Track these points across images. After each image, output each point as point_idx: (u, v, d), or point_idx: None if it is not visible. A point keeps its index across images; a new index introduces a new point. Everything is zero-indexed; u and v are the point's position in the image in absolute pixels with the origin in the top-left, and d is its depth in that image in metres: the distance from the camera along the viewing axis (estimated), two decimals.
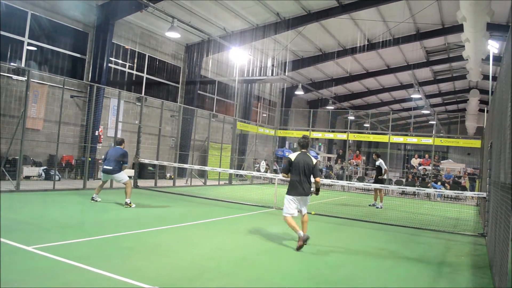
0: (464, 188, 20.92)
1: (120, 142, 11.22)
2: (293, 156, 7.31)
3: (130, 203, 10.44)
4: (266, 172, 24.32)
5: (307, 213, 7.42)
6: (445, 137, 28.27)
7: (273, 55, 24.38)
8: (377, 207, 14.70)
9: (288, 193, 7.22)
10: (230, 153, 22.65)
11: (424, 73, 29.81)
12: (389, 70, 28.86)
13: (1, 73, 13.52)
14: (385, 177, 15.55)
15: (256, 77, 24.69)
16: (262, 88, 29.88)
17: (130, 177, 11.79)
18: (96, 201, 10.70)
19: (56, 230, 7.27)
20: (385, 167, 15.27)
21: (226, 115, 23.79)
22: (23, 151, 11.77)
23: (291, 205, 7.17)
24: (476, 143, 21.81)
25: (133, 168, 16.77)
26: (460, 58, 22.51)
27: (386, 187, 14.00)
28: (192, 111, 20.72)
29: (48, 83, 15.12)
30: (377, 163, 15.18)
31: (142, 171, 17.88)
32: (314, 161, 7.29)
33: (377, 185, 13.47)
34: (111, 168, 10.60)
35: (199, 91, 22.78)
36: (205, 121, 21.31)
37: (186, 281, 4.98)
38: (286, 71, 25.17)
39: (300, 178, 7.14)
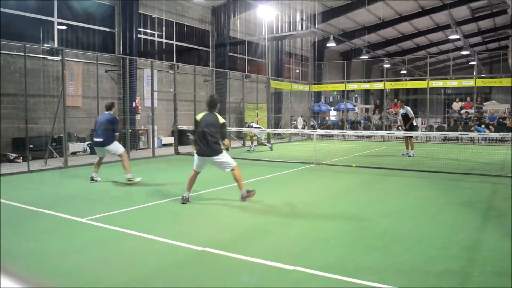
0: (509, 129, 20.13)
1: (109, 106, 9.44)
2: (199, 116, 7.29)
3: (132, 178, 9.03)
4: (304, 128, 24.23)
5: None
6: (487, 77, 27.05)
7: (301, 9, 23.70)
8: (409, 156, 14.16)
9: (196, 152, 7.18)
10: (266, 113, 22.63)
11: (461, 12, 28.23)
12: (424, 12, 27.52)
13: (38, 55, 13.90)
14: (414, 123, 14.87)
15: (285, 33, 24.20)
16: (292, 44, 29.31)
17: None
18: (96, 181, 9.30)
19: (106, 201, 7.62)
20: (412, 115, 14.48)
21: (259, 75, 23.62)
22: (66, 129, 12.26)
23: (195, 162, 7.24)
24: None
25: (172, 136, 17.12)
26: None
27: (428, 134, 13.69)
28: (224, 74, 20.68)
29: (82, 60, 15.42)
30: (403, 111, 14.58)
31: (181, 138, 18.21)
32: (222, 121, 7.16)
33: (410, 133, 13.32)
34: (101, 140, 9.16)
35: (229, 53, 22.63)
36: (239, 83, 21.25)
37: (230, 242, 5.11)
38: (316, 23, 24.48)
39: (200, 138, 7.03)
